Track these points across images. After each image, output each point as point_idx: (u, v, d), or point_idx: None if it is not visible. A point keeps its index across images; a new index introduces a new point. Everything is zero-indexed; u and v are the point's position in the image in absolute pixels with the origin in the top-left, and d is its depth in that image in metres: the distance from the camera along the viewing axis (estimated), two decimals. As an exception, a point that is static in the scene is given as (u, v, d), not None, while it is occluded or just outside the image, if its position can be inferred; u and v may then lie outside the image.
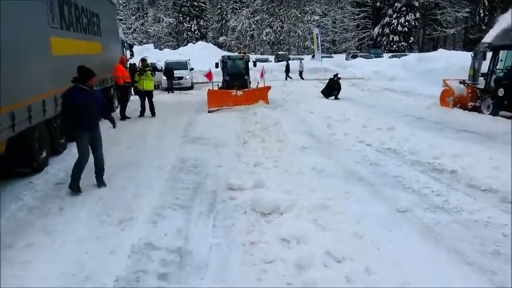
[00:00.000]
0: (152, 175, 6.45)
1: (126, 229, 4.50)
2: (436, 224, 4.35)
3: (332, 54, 47.76)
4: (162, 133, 9.86)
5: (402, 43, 53.04)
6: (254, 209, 4.85)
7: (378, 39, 55.03)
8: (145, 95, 12.17)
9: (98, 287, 3.38)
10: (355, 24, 59.76)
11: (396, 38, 53.20)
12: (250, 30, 61.86)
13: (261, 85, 14.85)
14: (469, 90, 12.31)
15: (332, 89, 16.39)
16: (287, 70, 25.59)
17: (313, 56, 37.05)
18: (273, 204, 4.78)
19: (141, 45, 44.39)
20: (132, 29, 63.23)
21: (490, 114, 11.18)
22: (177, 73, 20.50)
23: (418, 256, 3.61)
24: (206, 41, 51.00)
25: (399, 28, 52.65)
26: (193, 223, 4.65)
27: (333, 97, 16.25)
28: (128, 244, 4.08)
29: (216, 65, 16.30)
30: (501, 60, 11.59)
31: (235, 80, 15.14)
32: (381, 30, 54.60)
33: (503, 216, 4.45)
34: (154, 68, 15.94)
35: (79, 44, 9.45)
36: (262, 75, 15.32)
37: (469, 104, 12.16)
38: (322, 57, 32.31)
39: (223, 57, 16.19)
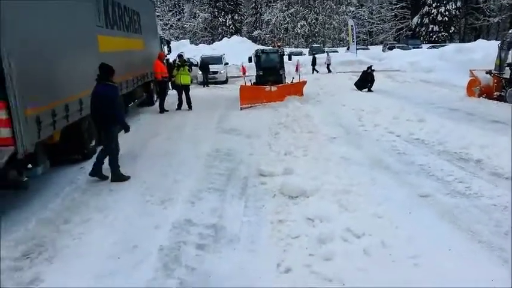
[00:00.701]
0: (189, 162, 6.97)
1: (168, 208, 5.03)
2: (455, 207, 4.58)
3: (368, 46, 46.99)
4: (198, 125, 10.39)
5: (442, 33, 51.21)
6: (283, 192, 5.25)
7: (417, 29, 53.43)
8: (183, 89, 12.77)
9: (144, 256, 3.89)
10: (393, 14, 58.28)
11: (436, 28, 51.44)
12: (285, 23, 61.74)
13: (296, 80, 14.41)
14: (495, 80, 12.56)
15: (365, 81, 16.39)
16: (313, 63, 25.55)
17: (348, 48, 36.69)
18: (300, 189, 5.15)
19: (177, 40, 45.45)
20: (168, 25, 64.75)
21: None
22: (212, 67, 21.04)
23: (433, 234, 3.89)
24: (241, 35, 51.46)
25: (439, 18, 50.86)
26: (227, 204, 5.11)
27: (366, 89, 16.26)
28: (170, 220, 4.60)
29: (250, 60, 15.79)
30: None
31: (269, 75, 14.44)
32: (419, 20, 52.96)
33: None
34: (190, 63, 16.50)
35: (122, 41, 10.15)
36: (297, 69, 14.88)
37: (495, 93, 12.43)
38: (357, 49, 31.98)
39: (256, 51, 15.66)
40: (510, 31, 12.56)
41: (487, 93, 12.73)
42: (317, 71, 25.22)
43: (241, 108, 12.41)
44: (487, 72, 12.96)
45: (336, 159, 6.66)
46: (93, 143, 7.72)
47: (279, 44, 17.98)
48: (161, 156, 7.44)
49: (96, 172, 6.19)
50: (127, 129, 6.56)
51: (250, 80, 14.89)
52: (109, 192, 5.70)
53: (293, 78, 14.61)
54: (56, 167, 6.54)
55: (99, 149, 6.58)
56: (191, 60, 22.33)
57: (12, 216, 4.91)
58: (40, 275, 3.62)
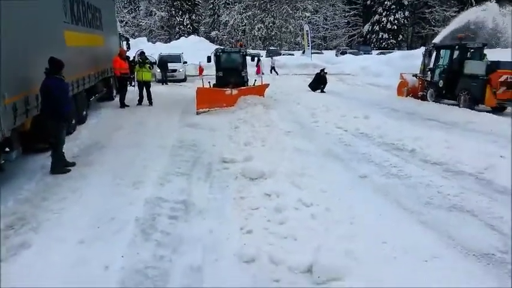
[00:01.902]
0: (156, 152, 7.44)
1: (139, 188, 5.52)
2: (387, 185, 5.49)
3: (322, 51, 48.80)
4: (160, 119, 10.81)
5: (391, 41, 54.29)
6: (244, 175, 5.91)
7: (368, 36, 56.29)
8: (144, 85, 13.11)
9: (122, 225, 4.39)
10: (346, 21, 60.93)
11: (385, 36, 54.45)
12: (242, 25, 62.59)
13: (258, 82, 13.76)
14: (420, 82, 14.83)
15: (319, 82, 17.47)
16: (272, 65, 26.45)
17: (303, 52, 38.10)
18: (259, 171, 5.83)
19: (133, 38, 44.90)
20: (124, 22, 63.49)
21: (433, 101, 13.70)
22: (171, 66, 21.30)
23: (368, 204, 4.72)
24: (198, 36, 51.58)
25: (388, 26, 53.90)
26: (193, 185, 5.69)
27: (320, 90, 17.33)
28: (142, 198, 5.11)
29: (208, 59, 14.46)
30: (441, 58, 14.03)
31: (230, 76, 13.46)
32: (370, 27, 55.82)
33: (443, 181, 5.60)
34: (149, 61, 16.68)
35: (86, 36, 10.38)
36: (259, 70, 14.25)
37: (419, 93, 14.67)
38: (312, 53, 33.38)
39: (216, 50, 14.62)
40: (432, 42, 14.89)
41: (413, 93, 14.97)
42: (277, 73, 26.13)
43: (197, 113, 11.40)
44: (413, 76, 15.23)
45: (290, 149, 7.41)
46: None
47: (241, 43, 16.40)
48: (127, 147, 7.84)
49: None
50: (68, 123, 6.66)
51: (209, 82, 13.80)
52: (80, 176, 6.08)
53: (255, 80, 13.96)
54: (26, 154, 6.79)
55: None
56: (149, 58, 22.44)
57: (-12, 196, 5.19)
58: (27, 241, 4.02)
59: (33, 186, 5.63)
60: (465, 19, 14.66)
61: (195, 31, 58.56)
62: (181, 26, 60.02)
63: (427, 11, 55.29)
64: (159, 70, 20.97)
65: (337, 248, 3.42)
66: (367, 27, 56.25)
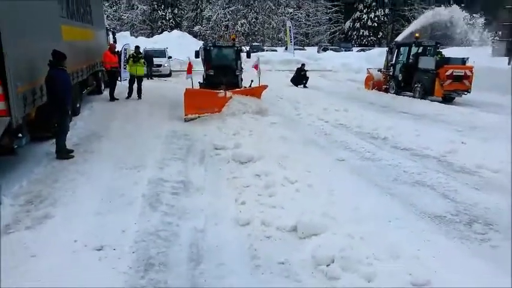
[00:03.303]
0: (151, 141, 8.02)
1: (141, 171, 6.13)
2: (361, 167, 6.29)
3: (305, 47, 49.70)
4: (152, 112, 11.33)
5: (372, 38, 55.59)
6: (234, 159, 6.57)
7: (349, 33, 57.49)
8: (136, 80, 13.55)
9: (131, 200, 5.00)
10: (328, 18, 61.96)
11: (366, 33, 55.74)
12: (225, 21, 62.89)
13: (255, 83, 11.93)
14: (384, 76, 16.51)
15: (300, 77, 18.22)
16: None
17: (286, 48, 38.83)
18: (249, 156, 6.51)
19: (116, 32, 44.72)
20: (105, 15, 62.91)
21: (393, 93, 15.34)
22: (156, 61, 21.61)
23: (344, 181, 5.48)
24: (181, 30, 51.66)
25: (369, 23, 55.20)
26: (189, 168, 6.33)
27: (302, 85, 18.08)
28: (145, 178, 5.73)
29: (196, 54, 13.25)
30: (401, 54, 15.73)
31: (222, 75, 11.77)
32: (351, 24, 57.04)
33: (409, 163, 6.46)
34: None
35: (79, 31, 10.82)
36: (257, 67, 12.40)
37: (383, 86, 16.32)
38: (294, 49, 34.14)
39: (206, 44, 13.06)
40: (394, 40, 16.58)
41: (378, 86, 16.58)
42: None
43: (185, 120, 9.75)
44: (378, 70, 16.98)
45: (276, 138, 8.10)
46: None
47: (233, 37, 15.59)
48: (123, 136, 8.39)
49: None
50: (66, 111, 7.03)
51: (199, 82, 12.49)
52: (84, 161, 6.64)
53: (252, 81, 12.02)
54: (31, 142, 7.26)
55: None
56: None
57: (1, 178, 5.70)
58: (49, 213, 4.60)
59: (42, 170, 6.17)
60: (425, 20, 16.92)
61: (177, 26, 58.51)
62: (163, 21, 59.89)
63: (406, 8, 56.84)
64: (144, 65, 21.30)
65: (317, 211, 4.14)
66: (348, 24, 57.44)
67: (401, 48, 15.90)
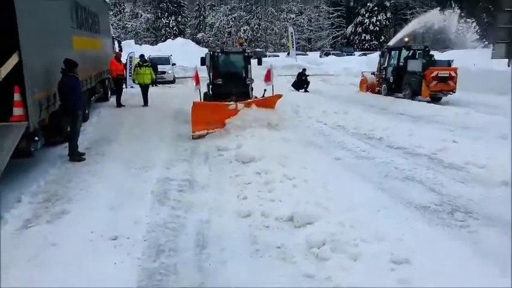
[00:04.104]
0: (158, 144, 8.43)
1: (149, 171, 6.54)
2: (356, 164, 6.69)
3: (307, 52, 50.23)
4: (157, 117, 11.78)
5: (374, 42, 55.90)
6: (237, 159, 6.96)
7: (351, 37, 57.91)
8: (143, 87, 14.04)
9: (141, 196, 5.40)
10: (330, 23, 62.50)
11: (368, 37, 56.10)
12: (228, 27, 63.64)
13: (268, 93, 10.53)
14: (377, 79, 17.47)
15: (301, 82, 18.64)
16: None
17: (288, 54, 39.32)
18: (250, 156, 6.89)
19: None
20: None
21: (385, 95, 16.22)
22: (160, 68, 22.11)
23: (339, 177, 5.87)
24: (184, 37, 52.36)
25: (371, 27, 55.56)
26: (195, 168, 6.73)
27: (303, 90, 18.50)
28: (154, 178, 6.15)
29: (202, 61, 11.93)
30: (392, 58, 16.63)
31: (231, 85, 10.69)
32: (353, 29, 57.46)
33: (401, 160, 6.87)
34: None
35: (88, 40, 11.32)
36: (268, 77, 10.83)
37: (376, 89, 17.23)
38: (296, 54, 34.63)
39: (212, 50, 11.66)
40: (386, 45, 17.97)
41: (371, 88, 17.52)
42: None
43: (192, 137, 8.68)
44: (372, 73, 17.94)
45: (277, 139, 8.47)
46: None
47: (241, 41, 13.71)
48: (131, 140, 8.81)
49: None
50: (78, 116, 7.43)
51: (205, 93, 11.53)
52: (95, 163, 7.07)
53: (265, 90, 10.62)
54: (45, 146, 7.70)
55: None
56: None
57: (20, 178, 6.14)
58: (65, 209, 5.01)
59: (56, 171, 6.61)
60: (416, 25, 18.53)
61: (181, 33, 59.33)
62: (167, 28, 60.76)
63: (408, 12, 57.20)
64: (149, 72, 21.81)
65: (311, 202, 4.52)
66: (350, 28, 57.88)
67: (392, 52, 16.84)
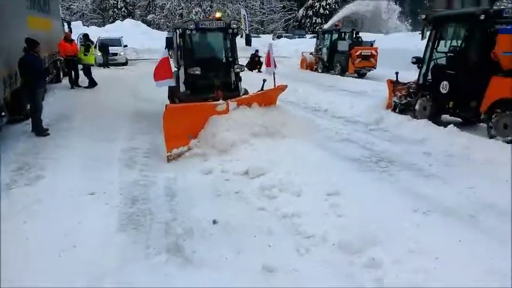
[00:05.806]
0: (120, 118, 8.89)
1: (114, 142, 7.04)
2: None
3: (260, 35, 50.87)
4: (114, 96, 12.02)
5: (324, 25, 57.44)
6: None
7: (303, 20, 59.21)
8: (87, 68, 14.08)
9: (110, 162, 5.94)
10: (282, 5, 63.30)
11: (319, 20, 57.56)
12: (179, 9, 62.62)
13: (266, 84, 8.14)
14: (314, 58, 19.93)
15: (254, 63, 19.45)
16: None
17: (241, 36, 39.67)
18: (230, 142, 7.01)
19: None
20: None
21: (321, 72, 18.62)
22: (111, 49, 21.81)
23: (288, 140, 6.70)
24: (134, 19, 51.03)
25: (321, 11, 57.09)
26: (157, 139, 7.26)
27: (256, 70, 19.27)
28: (119, 147, 6.69)
29: (168, 43, 8.63)
30: (326, 40, 19.25)
31: (213, 75, 8.02)
32: (305, 12, 58.74)
33: (341, 126, 8.01)
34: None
35: (41, 21, 11.31)
36: (269, 62, 8.46)
37: (314, 67, 19.75)
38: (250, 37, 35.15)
39: (182, 27, 8.20)
40: (321, 28, 21.15)
41: (310, 67, 20.01)
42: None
43: (168, 159, 5.95)
44: (310, 53, 20.40)
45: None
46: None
47: (219, 16, 8.69)
48: (92, 117, 9.14)
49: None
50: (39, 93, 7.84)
51: (172, 88, 8.51)
52: (61, 137, 7.44)
53: (264, 80, 8.22)
54: (6, 124, 7.92)
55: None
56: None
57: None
58: (41, 175, 5.46)
59: (23, 145, 6.93)
60: (347, 11, 22.96)
61: (130, 14, 57.63)
62: (115, 9, 58.72)
63: (356, -4, 59.31)
64: (100, 54, 21.37)
65: (263, 159, 5.34)
66: (301, 11, 59.08)
67: (326, 34, 19.45)
